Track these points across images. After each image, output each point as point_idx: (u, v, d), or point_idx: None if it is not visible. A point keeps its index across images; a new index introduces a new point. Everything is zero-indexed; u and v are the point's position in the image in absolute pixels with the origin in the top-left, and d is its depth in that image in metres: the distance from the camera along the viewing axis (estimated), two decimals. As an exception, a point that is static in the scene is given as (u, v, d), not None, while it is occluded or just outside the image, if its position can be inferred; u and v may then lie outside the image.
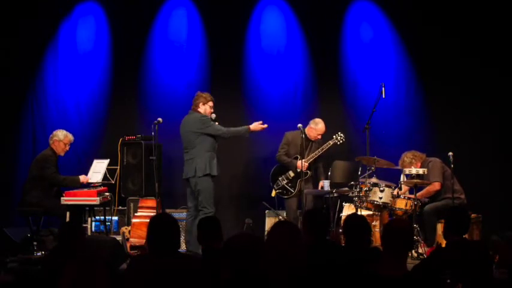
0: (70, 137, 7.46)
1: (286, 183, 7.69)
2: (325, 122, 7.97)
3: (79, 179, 7.30)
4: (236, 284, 2.95)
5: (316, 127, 7.73)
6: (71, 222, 5.44)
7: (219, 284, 3.31)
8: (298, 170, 7.51)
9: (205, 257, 4.38)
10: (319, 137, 7.77)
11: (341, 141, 7.64)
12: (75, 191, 7.19)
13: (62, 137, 7.39)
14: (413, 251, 6.65)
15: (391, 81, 8.31)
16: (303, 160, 7.40)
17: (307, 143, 7.63)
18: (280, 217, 7.74)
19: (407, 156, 7.36)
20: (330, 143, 7.61)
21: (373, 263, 3.54)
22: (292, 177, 7.69)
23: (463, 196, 7.14)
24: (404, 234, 3.52)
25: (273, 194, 7.74)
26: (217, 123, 7.06)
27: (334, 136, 7.62)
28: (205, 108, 7.09)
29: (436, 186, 7.18)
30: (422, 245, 6.75)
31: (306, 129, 7.63)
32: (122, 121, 8.53)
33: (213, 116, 7.12)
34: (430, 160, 7.30)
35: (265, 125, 7.12)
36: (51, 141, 7.40)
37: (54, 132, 7.44)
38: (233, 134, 7.11)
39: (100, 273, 2.92)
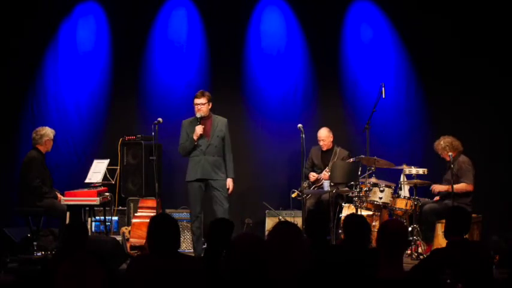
0: (53, 131, 7.35)
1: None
2: (325, 122, 8.03)
3: (57, 198, 7.12)
4: (238, 284, 2.95)
5: (318, 135, 7.91)
6: (75, 223, 5.40)
7: (219, 284, 3.31)
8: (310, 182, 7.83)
9: (206, 257, 4.38)
10: (324, 142, 7.86)
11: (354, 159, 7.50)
12: (75, 191, 7.19)
13: (51, 135, 7.25)
14: (413, 251, 6.67)
15: (391, 81, 8.31)
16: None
17: (327, 155, 7.88)
18: (280, 217, 7.75)
19: (444, 141, 7.20)
20: (351, 160, 7.58)
21: (372, 266, 3.54)
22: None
23: (469, 208, 7.09)
24: (399, 234, 3.52)
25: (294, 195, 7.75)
26: (199, 125, 6.85)
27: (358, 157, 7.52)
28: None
29: (469, 187, 7.06)
30: (421, 244, 6.75)
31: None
32: (122, 121, 8.52)
33: (198, 114, 6.90)
34: (464, 160, 7.17)
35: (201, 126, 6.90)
36: (40, 141, 7.17)
37: (43, 132, 7.20)
38: (183, 150, 7.02)
39: (93, 271, 2.91)
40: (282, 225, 3.22)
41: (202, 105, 6.91)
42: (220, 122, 7.03)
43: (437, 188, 7.18)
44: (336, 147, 7.95)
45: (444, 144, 7.20)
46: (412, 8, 8.26)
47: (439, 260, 4.14)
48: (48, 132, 7.25)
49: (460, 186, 7.03)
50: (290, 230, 3.12)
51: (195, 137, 6.87)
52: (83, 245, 4.26)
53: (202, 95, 6.95)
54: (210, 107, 6.99)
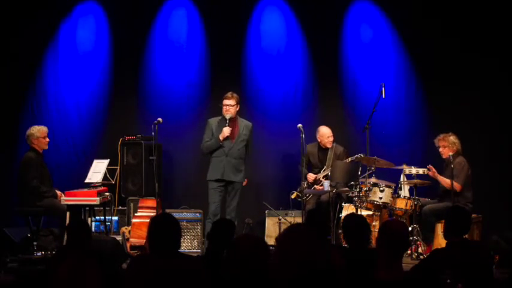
0: (44, 128, 7.28)
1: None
2: (325, 122, 8.03)
3: (57, 196, 7.13)
4: (238, 285, 2.95)
5: (320, 133, 7.88)
6: (77, 222, 5.38)
7: (219, 284, 3.31)
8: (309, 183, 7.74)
9: (207, 256, 4.38)
10: (330, 139, 7.82)
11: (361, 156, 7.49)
12: (75, 191, 7.18)
13: (38, 134, 7.19)
14: (413, 251, 6.67)
15: (391, 81, 8.31)
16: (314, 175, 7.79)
17: (325, 152, 7.83)
18: (280, 217, 7.75)
19: (454, 137, 7.20)
20: (349, 159, 7.57)
21: (372, 266, 3.54)
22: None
23: (470, 204, 7.09)
24: (400, 235, 3.52)
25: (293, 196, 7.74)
26: (227, 126, 7.08)
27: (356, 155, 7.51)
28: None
29: (457, 186, 7.02)
30: (421, 244, 6.76)
31: (319, 142, 7.86)
32: (122, 121, 8.53)
33: (227, 116, 7.12)
34: (460, 161, 7.14)
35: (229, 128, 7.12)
36: (29, 142, 7.20)
37: (28, 132, 7.21)
38: (207, 149, 7.21)
39: (93, 271, 2.92)
40: (295, 229, 3.20)
41: (231, 106, 7.14)
42: (246, 126, 7.28)
43: (435, 173, 7.13)
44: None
45: (455, 141, 7.20)
46: (411, 8, 8.27)
47: (439, 260, 4.13)
48: (32, 132, 7.21)
49: (449, 183, 7.01)
50: (305, 234, 3.10)
51: (221, 138, 7.09)
52: (84, 244, 4.25)
53: (232, 97, 7.18)
54: (237, 109, 7.22)
